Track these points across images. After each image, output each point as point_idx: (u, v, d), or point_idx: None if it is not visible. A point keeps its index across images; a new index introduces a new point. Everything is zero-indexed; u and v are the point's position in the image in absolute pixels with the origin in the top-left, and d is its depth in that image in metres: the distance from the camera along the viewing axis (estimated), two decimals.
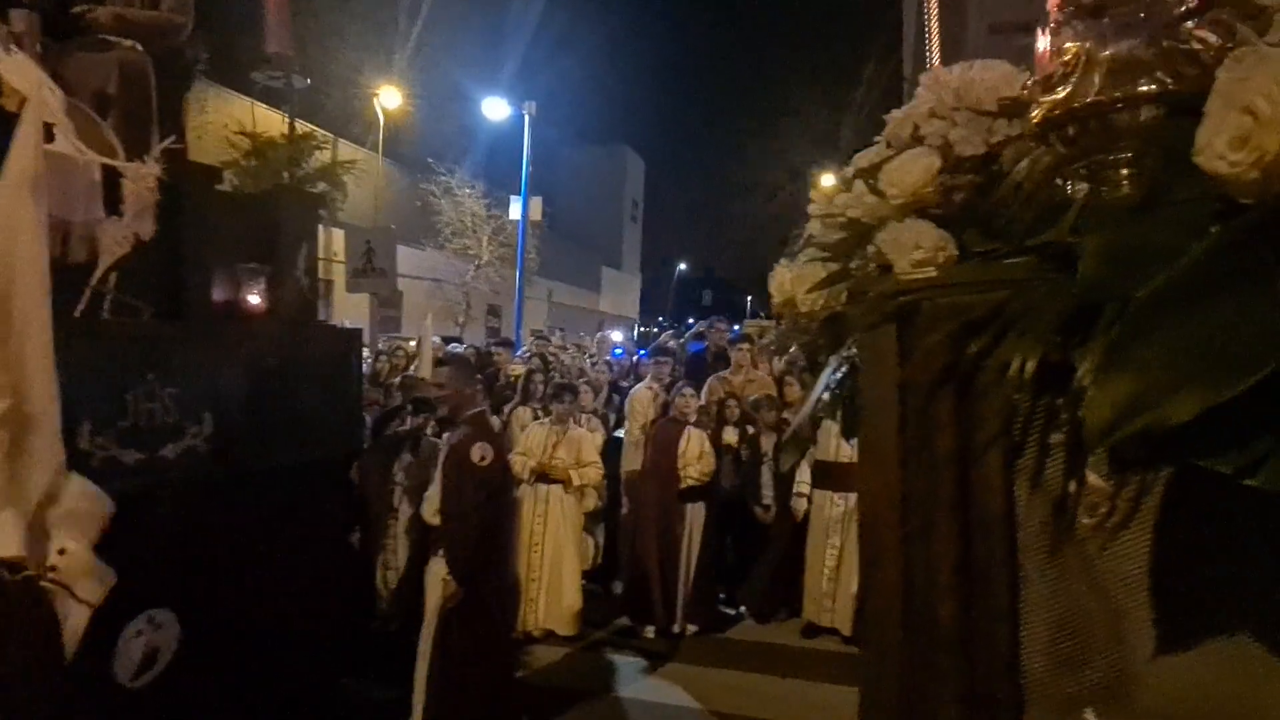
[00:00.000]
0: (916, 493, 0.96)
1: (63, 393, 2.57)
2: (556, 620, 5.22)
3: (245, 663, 3.23)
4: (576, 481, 5.31)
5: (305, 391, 3.64)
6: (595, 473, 5.42)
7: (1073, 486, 0.79)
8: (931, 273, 1.03)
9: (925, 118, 1.37)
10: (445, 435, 3.66)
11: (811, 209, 1.62)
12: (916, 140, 1.36)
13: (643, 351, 13.04)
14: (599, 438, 5.90)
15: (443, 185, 17.31)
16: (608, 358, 9.70)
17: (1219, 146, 0.60)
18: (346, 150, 16.54)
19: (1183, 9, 0.84)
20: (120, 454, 2.72)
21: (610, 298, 37.94)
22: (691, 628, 5.47)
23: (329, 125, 16.09)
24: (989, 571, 0.93)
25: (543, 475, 5.27)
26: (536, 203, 15.05)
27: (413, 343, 12.26)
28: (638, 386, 6.54)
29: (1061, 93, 0.95)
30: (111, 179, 3.00)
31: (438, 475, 3.55)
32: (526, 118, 14.22)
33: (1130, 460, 0.66)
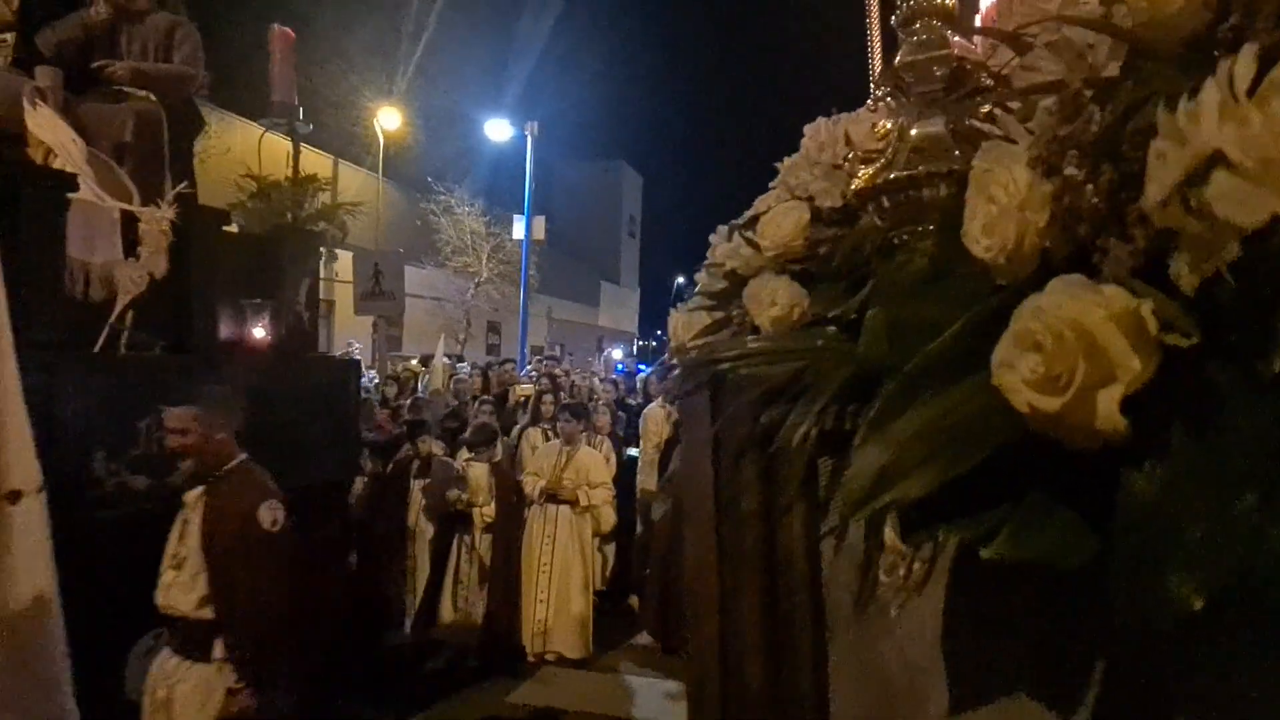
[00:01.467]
0: (730, 552, 1.01)
1: (80, 423, 2.81)
2: (565, 643, 5.14)
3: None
4: (584, 502, 5.26)
5: (304, 419, 3.87)
6: (605, 493, 5.39)
7: (873, 547, 0.80)
8: (745, 345, 1.07)
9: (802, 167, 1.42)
10: (195, 492, 2.77)
11: (709, 252, 1.67)
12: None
13: (642, 366, 13.17)
14: (611, 459, 5.85)
15: (442, 204, 17.62)
16: (612, 376, 9.80)
17: (974, 231, 0.62)
18: (346, 171, 16.86)
19: (974, 88, 0.93)
20: (131, 480, 2.94)
21: (609, 313, 38.17)
22: None
23: (329, 147, 16.39)
24: (794, 629, 0.92)
25: (552, 496, 5.22)
26: (540, 221, 15.23)
27: (414, 361, 12.49)
28: (651, 405, 6.54)
29: (873, 167, 1.04)
30: (128, 222, 3.25)
31: (189, 551, 2.73)
32: (529, 138, 14.48)
33: (917, 524, 0.67)
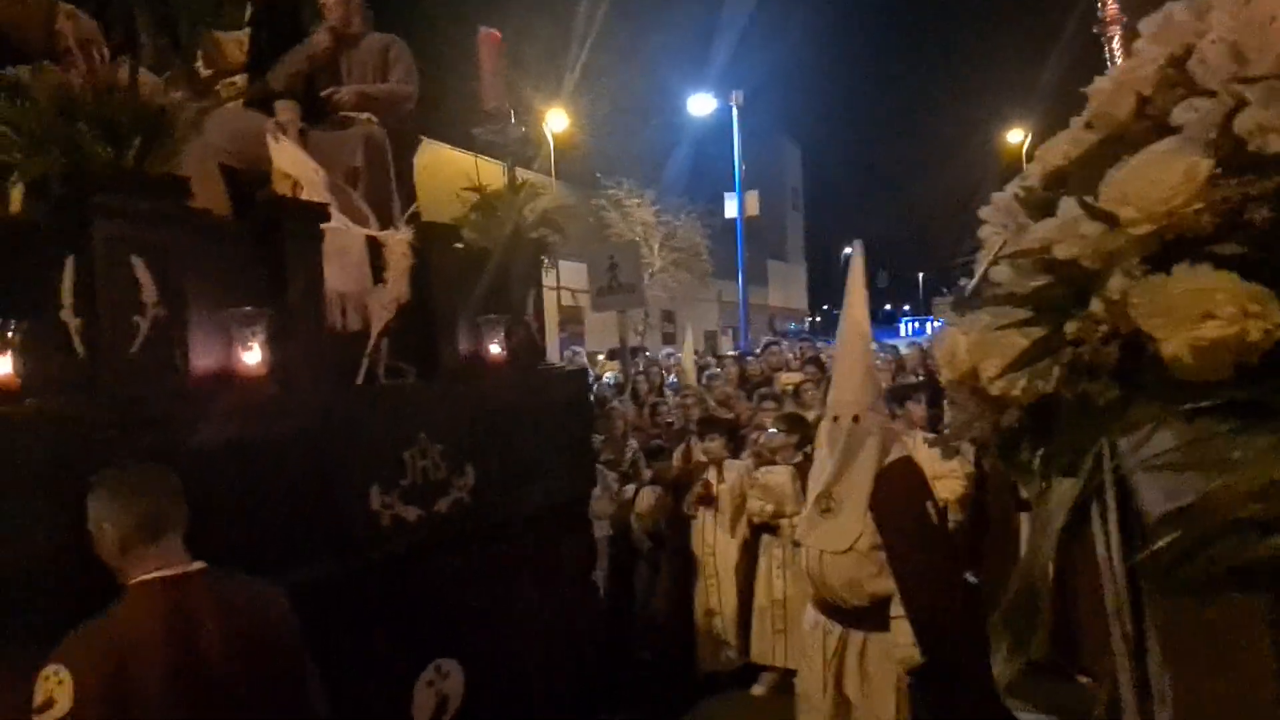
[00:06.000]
0: None
1: (355, 460, 2.75)
2: None
3: (514, 706, 3.32)
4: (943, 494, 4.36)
5: (544, 435, 3.71)
6: (957, 483, 4.54)
7: None
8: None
9: (1155, 84, 0.94)
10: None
11: (985, 231, 1.16)
12: (1154, 123, 0.92)
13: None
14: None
15: (612, 198, 17.72)
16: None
17: None
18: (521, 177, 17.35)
19: None
20: (404, 512, 2.86)
21: (777, 291, 37.23)
22: None
23: (504, 155, 16.90)
24: None
25: None
26: (753, 196, 14.78)
27: (601, 356, 12.52)
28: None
29: None
30: (372, 248, 3.19)
31: None
32: (734, 110, 14.02)
33: None
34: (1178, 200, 0.80)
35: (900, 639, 2.91)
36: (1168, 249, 0.83)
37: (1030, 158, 1.24)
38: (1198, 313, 0.74)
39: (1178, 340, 0.76)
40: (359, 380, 2.95)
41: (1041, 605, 0.91)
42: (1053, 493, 0.93)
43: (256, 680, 1.74)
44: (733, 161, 15.31)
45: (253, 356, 2.55)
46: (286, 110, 3.38)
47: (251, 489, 2.37)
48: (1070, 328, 0.88)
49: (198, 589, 1.75)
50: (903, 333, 28.62)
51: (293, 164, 3.21)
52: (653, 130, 17.25)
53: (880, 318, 40.86)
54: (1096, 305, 0.86)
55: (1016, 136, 25.95)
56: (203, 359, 2.49)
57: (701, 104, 15.92)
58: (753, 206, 14.66)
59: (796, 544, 3.15)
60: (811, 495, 3.21)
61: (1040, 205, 1.04)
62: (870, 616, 3.04)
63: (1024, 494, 1.12)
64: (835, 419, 3.12)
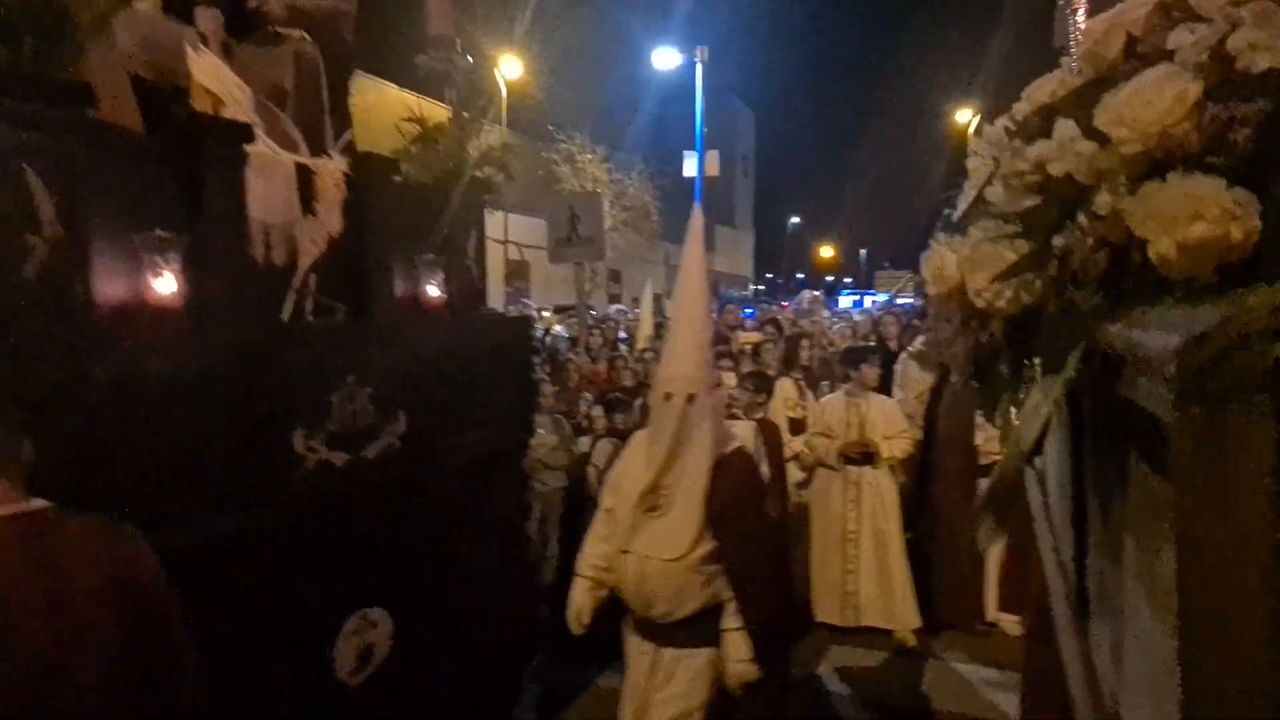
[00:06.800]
0: None
1: (278, 400, 2.59)
2: (886, 615, 4.62)
3: (442, 655, 3.25)
4: (887, 454, 4.68)
5: (483, 382, 3.59)
6: (907, 443, 4.72)
7: None
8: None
9: (1147, 25, 1.02)
10: None
11: (973, 163, 1.26)
12: (1140, 60, 1.00)
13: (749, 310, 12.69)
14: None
15: (564, 153, 17.32)
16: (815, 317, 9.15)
17: None
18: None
19: None
20: (330, 456, 2.72)
21: (724, 256, 37.28)
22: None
23: (449, 88, 16.27)
24: None
25: (849, 458, 4.71)
26: (714, 156, 14.56)
27: (547, 312, 12.36)
28: (911, 350, 5.83)
29: None
30: (302, 176, 2.98)
31: None
32: (699, 65, 13.62)
33: None
34: (1169, 121, 0.86)
35: (736, 653, 2.53)
36: (1154, 167, 0.89)
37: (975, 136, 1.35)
38: (1187, 214, 0.80)
39: (1167, 240, 0.81)
40: (283, 316, 2.77)
41: (1019, 490, 1.02)
42: (1037, 390, 1.01)
43: (99, 625, 1.59)
44: (686, 120, 15.09)
45: (165, 285, 2.36)
46: (208, 19, 3.10)
47: (162, 431, 2.20)
48: (1059, 240, 0.94)
49: (29, 530, 1.59)
50: (840, 306, 29.05)
51: (214, 79, 2.95)
52: (607, 86, 16.88)
53: (823, 288, 41.44)
54: (1083, 219, 0.92)
55: (965, 116, 26.20)
56: (108, 286, 2.29)
57: (666, 58, 15.37)
58: (713, 167, 14.37)
59: (624, 551, 2.62)
60: (635, 491, 2.64)
61: (1032, 132, 1.07)
62: (683, 632, 2.60)
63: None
64: (667, 397, 2.63)
